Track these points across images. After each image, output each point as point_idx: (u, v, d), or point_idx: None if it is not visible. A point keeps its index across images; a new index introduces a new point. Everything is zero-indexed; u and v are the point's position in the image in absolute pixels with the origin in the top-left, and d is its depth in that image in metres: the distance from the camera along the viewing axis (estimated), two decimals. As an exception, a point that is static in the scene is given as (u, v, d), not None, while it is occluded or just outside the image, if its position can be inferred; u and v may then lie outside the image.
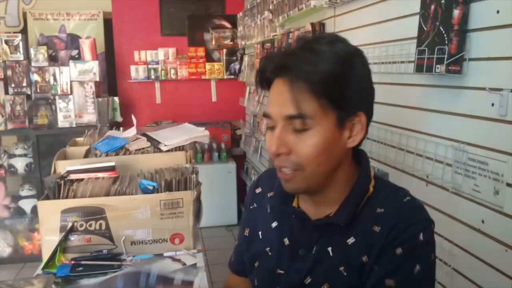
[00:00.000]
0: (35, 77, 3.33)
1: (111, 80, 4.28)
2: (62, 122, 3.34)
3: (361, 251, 0.75)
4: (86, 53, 3.46)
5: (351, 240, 0.76)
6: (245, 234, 0.93)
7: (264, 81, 0.76)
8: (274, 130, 0.73)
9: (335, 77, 0.69)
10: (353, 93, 0.72)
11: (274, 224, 0.86)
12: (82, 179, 1.47)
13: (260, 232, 0.89)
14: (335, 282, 0.76)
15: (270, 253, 0.85)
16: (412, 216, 0.74)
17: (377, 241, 0.73)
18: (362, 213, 0.76)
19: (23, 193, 3.51)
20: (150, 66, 4.20)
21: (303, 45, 0.73)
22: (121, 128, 2.12)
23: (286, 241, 0.83)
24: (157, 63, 4.22)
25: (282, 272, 0.82)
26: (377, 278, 0.73)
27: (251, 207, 0.94)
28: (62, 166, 1.58)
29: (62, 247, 1.37)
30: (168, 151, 1.72)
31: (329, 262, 0.77)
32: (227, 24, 4.30)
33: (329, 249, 0.77)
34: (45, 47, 3.39)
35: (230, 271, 1.03)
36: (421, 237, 0.72)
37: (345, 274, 0.76)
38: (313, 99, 0.69)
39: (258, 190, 0.94)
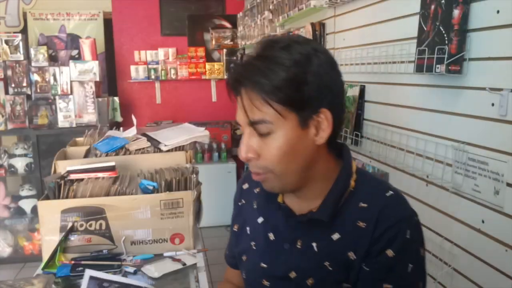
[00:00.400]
0: (35, 77, 3.33)
1: (111, 80, 4.28)
2: (62, 122, 3.34)
3: (346, 247, 0.76)
4: (86, 53, 3.46)
5: (336, 236, 0.77)
6: (234, 229, 0.96)
7: (231, 92, 0.78)
8: (242, 137, 0.77)
9: (289, 82, 0.71)
10: (312, 93, 0.72)
11: (260, 220, 0.88)
12: (82, 179, 1.47)
13: (248, 228, 0.91)
14: (320, 277, 0.78)
15: (255, 248, 0.88)
16: (397, 213, 0.75)
17: (363, 238, 0.74)
18: (345, 208, 0.77)
19: (23, 193, 3.51)
20: (150, 66, 4.20)
21: (258, 53, 0.75)
22: (121, 128, 2.13)
23: (271, 236, 0.85)
24: (157, 63, 4.22)
25: (265, 266, 0.85)
26: (373, 283, 0.74)
27: (239, 204, 0.97)
28: (62, 166, 1.58)
29: (62, 247, 1.37)
30: (168, 151, 1.72)
31: (314, 257, 0.78)
32: (227, 24, 4.30)
33: (314, 244, 0.79)
34: (45, 47, 3.39)
35: (227, 264, 1.07)
36: (408, 235, 0.74)
37: (330, 269, 0.77)
38: (268, 106, 0.72)
39: (245, 186, 0.97)
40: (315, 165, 0.78)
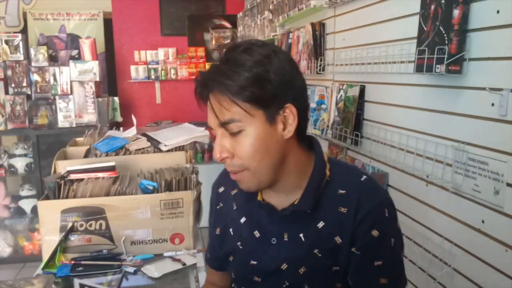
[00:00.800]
0: (35, 77, 3.33)
1: (111, 80, 4.29)
2: (62, 122, 3.34)
3: (332, 233, 0.81)
4: (86, 53, 3.46)
5: (320, 224, 0.82)
6: (216, 233, 0.97)
7: (201, 98, 0.82)
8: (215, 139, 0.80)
9: (253, 81, 0.75)
10: (276, 90, 0.76)
11: (242, 220, 0.91)
12: (82, 179, 1.47)
13: (230, 229, 0.93)
14: (311, 264, 0.82)
15: (241, 247, 0.90)
16: (375, 197, 0.82)
17: (347, 222, 0.80)
18: (325, 196, 0.82)
19: (23, 193, 3.51)
20: (150, 66, 4.20)
21: (221, 58, 0.80)
22: (121, 128, 2.13)
23: (257, 233, 0.88)
24: (157, 63, 4.22)
25: (255, 263, 0.88)
26: (366, 263, 0.81)
27: (217, 207, 0.98)
28: (62, 166, 1.58)
29: (62, 247, 1.37)
30: (168, 151, 1.72)
31: (303, 246, 0.83)
32: (227, 24, 4.30)
33: (301, 235, 0.83)
34: (45, 47, 3.39)
35: (209, 267, 1.08)
36: (387, 213, 0.81)
37: (319, 255, 0.82)
38: (236, 106, 0.76)
39: (221, 190, 0.98)
40: (287, 159, 0.82)
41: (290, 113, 0.78)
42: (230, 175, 0.83)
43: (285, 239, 0.85)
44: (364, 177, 0.84)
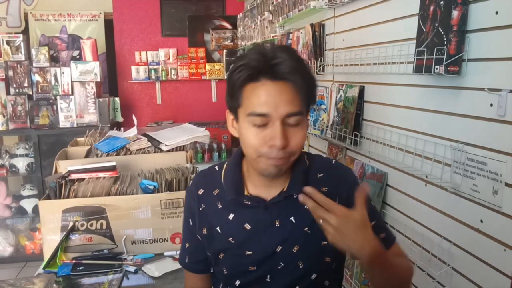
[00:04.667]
0: (37, 77, 3.34)
1: (112, 81, 4.30)
2: (63, 122, 3.35)
3: None
4: (87, 53, 3.47)
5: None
6: (203, 233, 0.98)
7: (250, 79, 0.84)
8: (271, 127, 0.83)
9: (312, 85, 0.87)
10: (314, 99, 0.90)
11: (231, 216, 0.95)
12: (83, 179, 1.47)
13: (218, 228, 0.96)
14: (303, 242, 0.91)
15: (233, 242, 0.94)
16: (347, 174, 0.99)
17: (330, 198, 0.84)
18: (307, 181, 0.92)
19: (25, 192, 3.52)
20: (150, 66, 4.21)
21: (290, 51, 0.86)
22: (122, 128, 2.13)
23: (247, 225, 0.93)
24: (158, 63, 4.23)
25: (250, 253, 0.93)
26: None
27: (200, 209, 0.99)
28: (63, 166, 1.59)
29: (63, 246, 1.38)
30: (168, 151, 1.73)
31: (295, 227, 0.92)
32: (227, 25, 4.31)
33: (292, 218, 0.92)
34: (46, 47, 3.40)
35: (186, 271, 1.07)
36: (358, 182, 0.97)
37: (309, 232, 0.91)
38: (302, 101, 0.85)
39: (201, 192, 1.00)
40: None
41: (308, 121, 0.91)
42: (268, 161, 0.85)
43: (277, 225, 0.92)
44: (333, 160, 1.02)
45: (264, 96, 0.82)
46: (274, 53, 0.84)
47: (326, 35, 2.12)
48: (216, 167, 1.01)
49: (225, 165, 1.00)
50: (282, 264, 0.92)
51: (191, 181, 1.06)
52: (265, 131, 0.83)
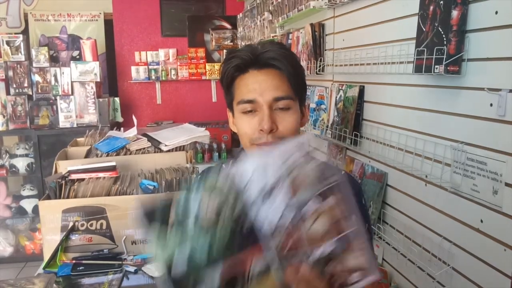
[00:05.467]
0: (36, 77, 3.34)
1: (111, 81, 4.30)
2: (63, 123, 3.35)
3: None
4: (87, 53, 3.47)
5: None
6: None
7: (240, 69, 0.88)
8: (259, 112, 0.86)
9: (302, 70, 0.91)
10: (304, 88, 0.93)
11: None
12: (83, 179, 1.47)
13: None
14: None
15: None
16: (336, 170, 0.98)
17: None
18: None
19: (25, 193, 3.52)
20: (150, 66, 4.21)
21: (272, 42, 0.92)
22: (121, 129, 2.13)
23: None
24: (158, 63, 4.23)
25: None
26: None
27: None
28: (63, 166, 1.59)
29: (63, 246, 1.38)
30: (168, 151, 1.73)
31: None
32: (227, 25, 4.31)
33: None
34: (46, 48, 3.40)
35: None
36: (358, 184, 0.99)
37: None
38: (289, 86, 0.88)
39: None
40: None
41: (305, 111, 0.94)
42: (263, 148, 0.87)
43: None
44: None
45: (251, 84, 0.86)
46: (262, 46, 0.89)
47: (326, 35, 2.12)
48: (223, 165, 1.03)
49: (230, 162, 1.02)
50: None
51: (198, 176, 1.08)
52: (255, 118, 0.87)
